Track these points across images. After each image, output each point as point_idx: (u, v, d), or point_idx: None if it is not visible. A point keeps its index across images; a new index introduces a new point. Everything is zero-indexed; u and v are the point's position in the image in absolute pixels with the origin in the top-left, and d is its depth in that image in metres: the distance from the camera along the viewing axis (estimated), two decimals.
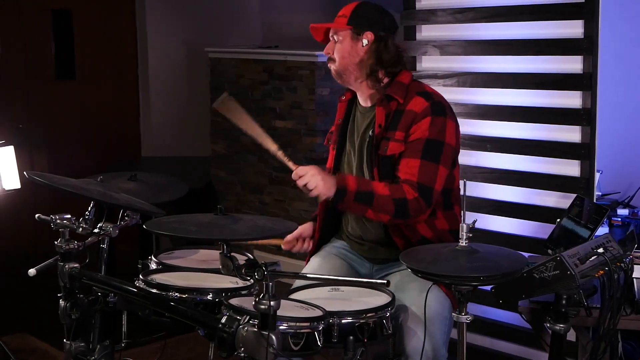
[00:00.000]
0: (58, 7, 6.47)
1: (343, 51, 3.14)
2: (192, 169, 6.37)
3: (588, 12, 3.68)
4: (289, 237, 3.28)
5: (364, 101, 3.21)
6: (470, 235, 2.64)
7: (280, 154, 3.08)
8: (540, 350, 3.94)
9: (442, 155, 3.03)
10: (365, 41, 3.13)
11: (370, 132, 3.13)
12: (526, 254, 3.72)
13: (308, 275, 2.71)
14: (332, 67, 3.19)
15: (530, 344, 3.99)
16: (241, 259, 2.56)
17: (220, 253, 2.51)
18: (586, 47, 3.70)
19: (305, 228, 3.33)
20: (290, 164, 3.03)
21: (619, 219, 4.15)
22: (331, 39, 3.18)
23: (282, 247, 3.28)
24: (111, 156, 6.59)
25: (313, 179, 2.92)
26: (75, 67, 6.57)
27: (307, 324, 2.57)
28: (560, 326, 2.80)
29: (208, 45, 6.34)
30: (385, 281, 2.39)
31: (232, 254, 2.52)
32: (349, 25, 3.12)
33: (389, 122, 3.07)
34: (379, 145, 3.07)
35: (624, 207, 4.35)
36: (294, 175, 2.99)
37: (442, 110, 3.06)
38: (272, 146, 3.12)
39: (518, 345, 4.06)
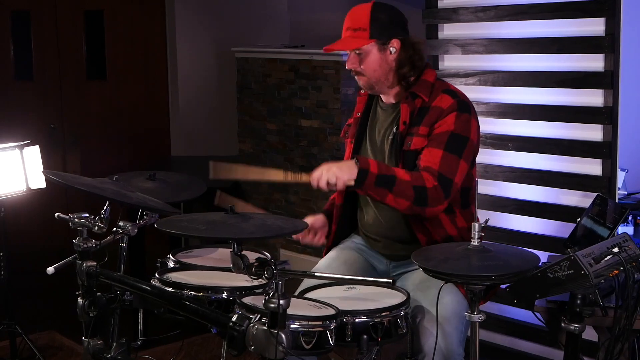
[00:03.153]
0: (90, 8, 6.55)
1: (373, 64, 3.07)
2: None
3: (610, 10, 3.66)
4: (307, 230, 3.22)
5: (386, 98, 3.19)
6: (482, 234, 2.63)
7: (290, 176, 3.03)
8: (558, 349, 3.91)
9: (465, 150, 3.01)
10: (392, 49, 3.06)
11: (394, 129, 3.12)
12: (547, 254, 3.72)
13: (316, 274, 2.71)
14: (361, 80, 3.13)
15: (550, 343, 3.97)
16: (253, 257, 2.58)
17: (230, 252, 2.53)
18: (608, 44, 3.68)
19: (316, 220, 3.30)
20: (305, 176, 2.99)
21: None
22: (351, 52, 3.09)
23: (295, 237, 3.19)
24: (141, 155, 6.64)
25: (329, 174, 2.90)
26: (106, 67, 6.64)
27: (319, 322, 2.58)
28: (575, 326, 2.77)
29: (237, 45, 6.36)
30: (389, 280, 2.39)
31: (245, 252, 2.54)
32: (372, 38, 3.04)
33: (413, 119, 3.06)
34: (403, 141, 3.06)
35: None
36: (312, 182, 2.94)
37: (467, 108, 3.06)
38: (278, 176, 3.06)
39: (538, 345, 4.05)
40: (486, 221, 2.66)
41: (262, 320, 2.45)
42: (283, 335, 2.40)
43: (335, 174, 2.89)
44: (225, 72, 6.55)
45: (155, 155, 6.70)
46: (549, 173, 3.95)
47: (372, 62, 3.06)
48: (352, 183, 2.90)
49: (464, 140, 3.02)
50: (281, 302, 2.38)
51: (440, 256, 2.63)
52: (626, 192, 4.14)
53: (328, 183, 2.90)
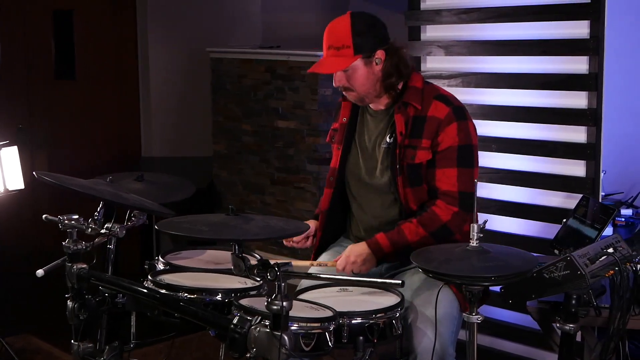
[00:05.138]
0: (59, 7, 6.46)
1: (360, 79, 3.04)
2: (194, 169, 6.36)
3: (594, 13, 3.68)
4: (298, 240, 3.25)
5: (375, 105, 3.17)
6: (481, 235, 2.64)
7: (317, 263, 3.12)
8: (543, 350, 3.94)
9: (474, 158, 3.08)
10: (378, 60, 3.05)
11: (387, 139, 3.11)
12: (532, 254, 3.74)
13: (321, 275, 2.70)
14: (351, 95, 3.10)
15: (534, 344, 4.00)
16: (252, 259, 2.57)
17: (232, 254, 2.51)
18: (592, 47, 3.71)
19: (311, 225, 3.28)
20: (330, 263, 3.06)
21: (623, 219, 4.16)
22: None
23: (284, 242, 3.23)
24: (111, 157, 6.57)
25: (354, 267, 2.98)
26: (75, 67, 6.56)
27: (318, 324, 2.57)
28: (570, 326, 2.79)
29: (209, 45, 6.32)
30: (399, 281, 2.38)
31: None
32: (357, 54, 3.01)
33: (409, 129, 3.05)
34: (403, 153, 3.05)
35: (628, 207, 4.36)
36: (338, 271, 3.02)
37: (463, 113, 3.08)
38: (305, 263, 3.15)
39: (521, 345, 4.06)
40: (485, 222, 2.66)
41: (263, 323, 2.44)
42: (286, 338, 2.38)
43: (359, 268, 2.99)
44: (198, 73, 6.50)
45: (126, 157, 6.63)
46: (533, 174, 3.97)
47: (359, 77, 3.04)
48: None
49: (469, 149, 3.07)
50: (284, 303, 2.36)
51: (441, 257, 2.63)
52: (603, 194, 4.19)
53: (353, 272, 3.01)
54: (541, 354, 3.98)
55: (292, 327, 2.49)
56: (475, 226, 2.63)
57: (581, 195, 3.46)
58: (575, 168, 3.84)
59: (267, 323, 2.42)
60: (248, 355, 2.46)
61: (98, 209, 2.89)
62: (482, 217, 4.00)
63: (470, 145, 3.06)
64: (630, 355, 3.61)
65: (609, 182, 4.25)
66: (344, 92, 3.13)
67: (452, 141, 3.02)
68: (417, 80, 3.12)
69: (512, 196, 4.06)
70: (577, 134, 3.82)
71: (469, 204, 2.97)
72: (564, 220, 3.37)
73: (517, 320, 4.05)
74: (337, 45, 3.01)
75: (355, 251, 3.00)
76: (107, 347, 2.91)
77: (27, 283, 5.05)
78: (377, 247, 2.99)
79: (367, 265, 3.00)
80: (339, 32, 3.02)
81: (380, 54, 3.04)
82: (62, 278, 3.02)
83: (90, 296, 2.91)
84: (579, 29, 3.76)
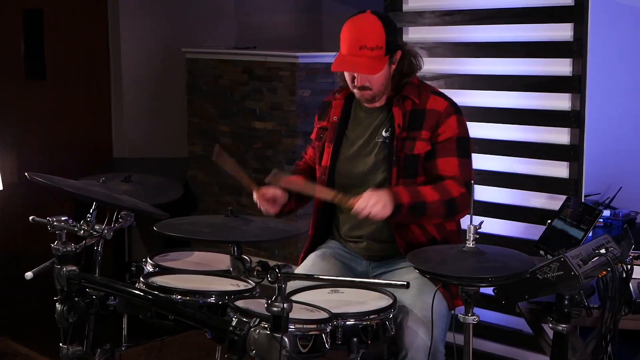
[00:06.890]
0: (29, 6, 6.39)
1: (381, 79, 3.08)
2: (167, 170, 6.31)
3: (577, 15, 3.71)
4: (266, 193, 3.21)
5: (370, 103, 3.19)
6: (477, 236, 2.66)
7: (338, 198, 3.01)
8: (527, 350, 3.97)
9: (470, 150, 3.15)
10: (395, 60, 3.10)
11: (384, 132, 3.13)
12: None
13: (322, 277, 2.69)
14: (366, 94, 3.11)
15: (518, 345, 4.02)
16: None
17: (230, 255, 2.50)
18: (576, 49, 3.74)
19: (280, 194, 3.23)
20: (349, 203, 2.97)
21: (601, 220, 4.19)
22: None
23: (254, 196, 3.23)
24: (81, 157, 6.50)
25: (374, 209, 2.91)
26: (46, 66, 6.48)
27: (315, 325, 2.57)
28: (562, 326, 2.82)
29: (183, 45, 6.28)
30: (404, 282, 2.39)
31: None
32: (386, 55, 3.05)
33: (407, 122, 3.08)
34: (401, 145, 3.07)
35: (605, 208, 4.40)
36: (355, 212, 2.93)
37: (459, 108, 3.16)
38: (328, 195, 3.05)
39: (506, 346, 4.08)
40: (480, 223, 2.68)
41: (263, 325, 2.43)
42: (286, 339, 2.37)
43: (377, 211, 2.90)
44: (173, 73, 6.45)
45: (97, 158, 6.57)
46: (516, 175, 4.00)
47: (381, 76, 3.08)
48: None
49: (467, 141, 3.14)
50: (285, 305, 2.36)
51: (437, 258, 2.64)
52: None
53: (370, 215, 2.93)
54: (523, 354, 4.01)
55: (289, 329, 2.48)
56: (472, 227, 2.64)
57: (564, 196, 3.48)
58: (558, 169, 3.87)
59: (266, 325, 2.42)
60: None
61: (91, 211, 2.85)
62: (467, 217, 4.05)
63: (468, 138, 3.14)
64: (612, 354, 3.67)
65: (586, 183, 4.30)
66: (356, 91, 3.12)
67: (452, 132, 3.08)
68: (414, 78, 3.18)
69: (495, 197, 4.08)
70: (560, 136, 3.85)
71: (472, 191, 2.98)
72: (549, 221, 3.39)
73: (501, 321, 4.07)
74: (371, 45, 3.02)
75: (376, 194, 2.93)
76: (99, 350, 2.88)
77: (4, 286, 4.99)
78: (396, 195, 2.94)
79: (385, 210, 2.90)
80: (373, 32, 3.03)
81: (399, 55, 3.11)
82: (39, 280, 2.99)
83: (78, 298, 2.88)
84: (562, 32, 3.79)
